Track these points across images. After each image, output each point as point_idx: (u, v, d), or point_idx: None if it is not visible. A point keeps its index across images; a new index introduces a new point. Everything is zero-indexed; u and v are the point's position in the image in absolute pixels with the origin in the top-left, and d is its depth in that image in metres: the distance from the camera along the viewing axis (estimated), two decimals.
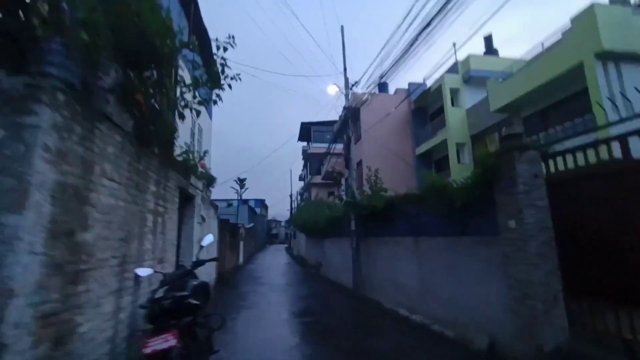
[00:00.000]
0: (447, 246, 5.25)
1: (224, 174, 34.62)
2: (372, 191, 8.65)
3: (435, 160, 19.32)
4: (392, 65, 8.43)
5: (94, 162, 2.49)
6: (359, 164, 19.09)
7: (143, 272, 3.31)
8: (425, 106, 20.24)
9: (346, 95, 9.77)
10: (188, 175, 5.58)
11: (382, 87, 22.47)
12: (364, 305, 7.50)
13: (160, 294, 3.53)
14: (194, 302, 3.07)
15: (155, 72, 3.45)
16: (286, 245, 41.88)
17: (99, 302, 2.54)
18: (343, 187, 22.84)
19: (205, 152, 5.77)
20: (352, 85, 9.69)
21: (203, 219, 6.91)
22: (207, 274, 7.86)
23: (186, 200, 6.15)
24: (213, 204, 8.66)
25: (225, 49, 3.71)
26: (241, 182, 51.18)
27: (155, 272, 3.51)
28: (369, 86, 9.39)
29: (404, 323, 5.81)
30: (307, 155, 30.99)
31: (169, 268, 4.53)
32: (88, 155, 2.41)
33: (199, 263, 3.98)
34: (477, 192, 4.41)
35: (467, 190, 4.55)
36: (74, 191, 2.22)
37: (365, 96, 9.70)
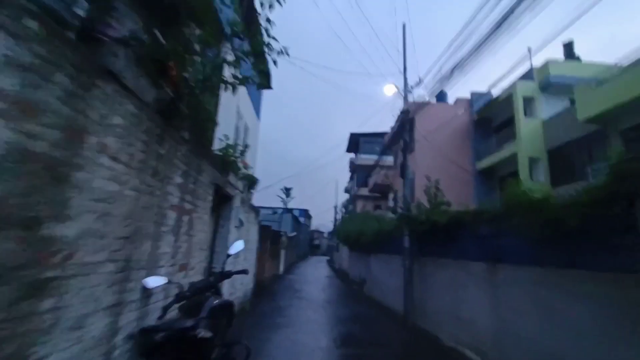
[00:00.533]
0: (542, 279, 3.95)
1: (269, 182, 34.92)
2: (431, 205, 7.47)
3: (500, 177, 17.25)
4: (454, 68, 7.27)
5: (87, 130, 1.84)
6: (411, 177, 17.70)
7: (153, 282, 2.64)
8: (490, 117, 18.34)
9: (405, 97, 8.75)
10: (226, 172, 4.99)
11: (441, 96, 20.94)
12: (417, 339, 6.28)
13: (173, 312, 2.83)
14: (204, 334, 2.29)
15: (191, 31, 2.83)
16: (328, 258, 40.91)
17: (80, 323, 1.86)
18: (390, 201, 21.47)
19: (247, 146, 5.14)
20: (413, 87, 8.66)
21: (241, 222, 6.30)
22: (243, 283, 7.23)
23: (223, 201, 5.57)
24: (254, 208, 8.09)
25: (270, 6, 2.98)
26: (287, 191, 51.88)
27: (170, 282, 2.83)
28: (430, 91, 8.28)
29: None
30: (354, 167, 30.14)
31: (196, 276, 3.88)
32: (78, 120, 1.77)
33: (225, 275, 3.25)
34: (601, 210, 3.15)
35: (584, 207, 3.30)
36: (46, 164, 1.57)
37: (425, 98, 8.58)
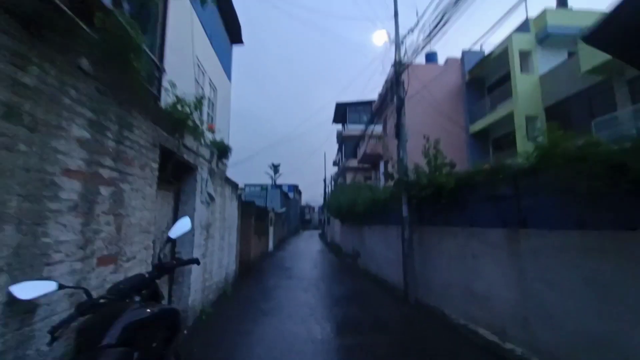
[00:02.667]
0: (588, 246, 3.12)
1: (255, 160, 33.68)
2: (431, 167, 6.57)
3: (494, 139, 16.54)
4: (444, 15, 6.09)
5: None
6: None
7: (28, 289, 1.63)
8: (483, 77, 17.32)
9: (397, 46, 7.58)
10: (179, 133, 3.89)
11: (430, 57, 19.68)
12: (423, 317, 5.57)
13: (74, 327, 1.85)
14: None
15: None
16: (320, 231, 40.64)
17: None
18: (381, 171, 20.67)
19: (202, 98, 3.96)
20: (407, 34, 7.48)
21: (211, 197, 5.28)
22: (222, 266, 6.32)
23: (182, 171, 4.51)
24: (230, 181, 7.04)
25: None
26: (275, 167, 50.63)
27: (62, 286, 1.82)
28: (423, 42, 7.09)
29: (494, 354, 3.85)
30: (342, 138, 29.03)
31: (138, 270, 2.88)
32: None
33: (165, 268, 2.26)
34: None
35: None
36: None
37: (419, 47, 7.42)
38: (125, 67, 2.51)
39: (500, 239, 4.42)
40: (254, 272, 9.43)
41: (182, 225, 2.34)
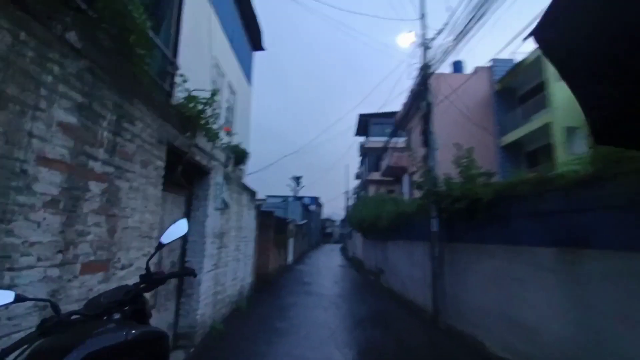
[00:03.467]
0: None
1: (276, 171, 33.78)
2: (464, 177, 5.99)
3: (528, 153, 15.51)
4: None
5: None
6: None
7: None
8: (514, 86, 16.46)
9: (424, 47, 7.16)
10: (191, 132, 3.61)
11: (457, 66, 19.06)
12: (455, 344, 4.92)
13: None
14: None
15: None
16: (341, 245, 39.78)
17: None
18: (405, 184, 19.90)
19: (215, 92, 3.66)
20: (435, 36, 7.06)
21: (226, 204, 4.97)
22: (237, 278, 5.95)
23: (195, 174, 4.22)
24: (248, 189, 6.75)
25: None
26: (297, 179, 50.64)
27: (22, 298, 1.47)
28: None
29: None
30: (364, 150, 28.54)
31: (134, 280, 2.53)
32: None
33: (154, 280, 1.88)
34: None
35: None
36: None
37: (444, 54, 6.94)
38: (126, 51, 2.24)
39: (551, 261, 3.78)
40: (271, 286, 9.00)
41: (177, 229, 1.97)
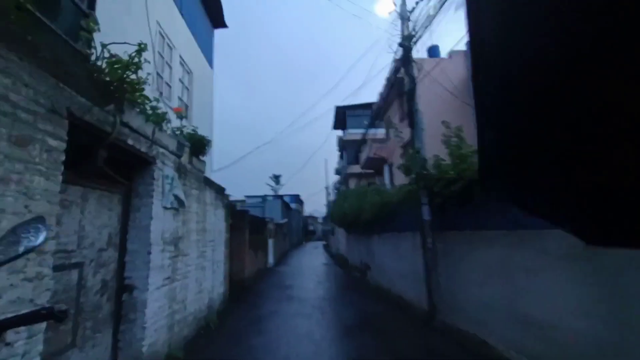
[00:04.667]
0: None
1: (256, 172, 32.64)
2: (456, 158, 5.38)
3: None
4: None
5: None
6: (405, 145, 15.56)
7: None
8: None
9: (403, 18, 6.47)
10: (118, 107, 2.69)
11: (433, 51, 18.69)
12: (455, 345, 4.30)
13: None
14: None
15: None
16: (324, 243, 39.12)
17: None
18: (386, 177, 19.41)
19: (143, 45, 2.71)
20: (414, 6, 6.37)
21: (181, 202, 4.05)
22: (203, 290, 5.04)
23: (133, 166, 3.30)
24: (213, 184, 5.81)
25: None
26: (276, 178, 49.40)
27: None
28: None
29: None
30: (343, 144, 27.92)
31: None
32: None
33: None
34: None
35: None
36: None
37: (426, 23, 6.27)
38: None
39: (570, 246, 3.16)
40: (248, 294, 8.10)
41: (20, 234, 1.09)
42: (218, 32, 7.85)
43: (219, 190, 6.19)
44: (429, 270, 5.74)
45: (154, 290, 3.38)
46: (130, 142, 2.98)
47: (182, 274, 4.22)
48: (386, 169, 19.62)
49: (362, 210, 10.18)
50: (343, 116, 27.00)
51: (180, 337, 4.12)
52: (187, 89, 5.97)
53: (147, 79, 3.36)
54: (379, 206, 8.78)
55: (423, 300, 5.95)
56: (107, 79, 2.54)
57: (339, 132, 30.71)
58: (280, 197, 34.33)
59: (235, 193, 20.83)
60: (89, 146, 2.60)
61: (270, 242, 15.51)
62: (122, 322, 3.16)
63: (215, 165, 7.64)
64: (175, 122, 4.42)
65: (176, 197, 3.95)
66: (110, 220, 3.12)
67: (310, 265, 15.94)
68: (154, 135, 3.43)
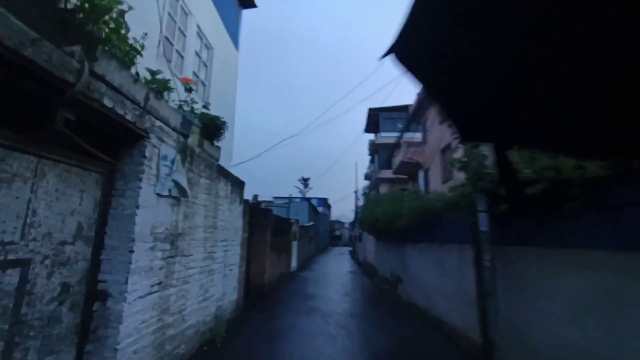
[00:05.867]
0: None
1: (285, 178, 32.26)
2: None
3: None
4: None
5: None
6: (444, 149, 14.23)
7: None
8: None
9: None
10: (88, 47, 1.97)
11: None
12: None
13: None
14: None
15: None
16: (350, 249, 37.93)
17: None
18: (421, 182, 18.05)
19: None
20: None
21: (181, 190, 3.30)
22: (209, 298, 4.28)
23: (118, 139, 2.57)
24: (229, 175, 5.06)
25: None
26: (305, 181, 48.97)
27: None
28: None
29: None
30: (374, 147, 26.74)
31: None
32: None
33: None
34: None
35: None
36: None
37: None
38: None
39: None
40: (266, 301, 7.29)
41: None
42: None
43: (237, 183, 5.43)
44: (484, 294, 4.61)
45: (135, 299, 2.62)
46: (107, 103, 2.24)
47: (180, 278, 3.45)
48: (421, 174, 18.28)
49: (397, 216, 9.10)
50: (376, 119, 25.87)
51: (174, 357, 3.35)
52: (206, 66, 5.29)
53: (145, 37, 2.64)
54: (418, 212, 7.68)
55: (473, 329, 4.81)
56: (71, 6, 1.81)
57: (371, 136, 29.62)
58: (308, 199, 33.68)
59: (264, 194, 20.42)
60: (41, 101, 1.87)
61: (295, 244, 14.72)
62: (88, 340, 2.41)
63: (235, 160, 6.96)
64: (179, 91, 3.69)
65: (176, 183, 3.20)
66: (82, 205, 2.40)
67: (336, 273, 14.95)
68: (147, 101, 2.69)
